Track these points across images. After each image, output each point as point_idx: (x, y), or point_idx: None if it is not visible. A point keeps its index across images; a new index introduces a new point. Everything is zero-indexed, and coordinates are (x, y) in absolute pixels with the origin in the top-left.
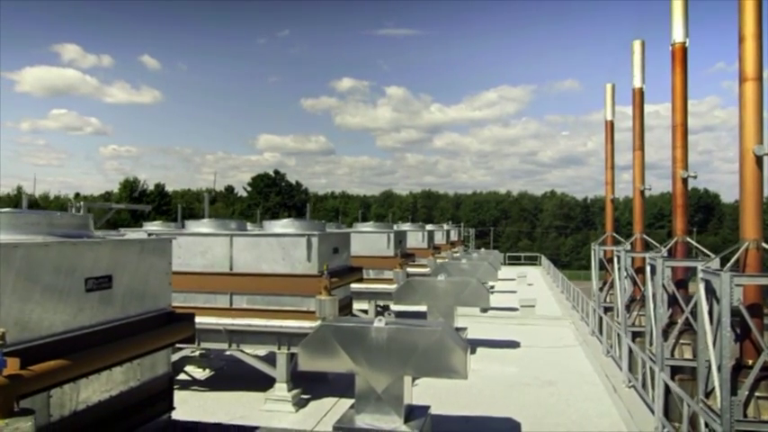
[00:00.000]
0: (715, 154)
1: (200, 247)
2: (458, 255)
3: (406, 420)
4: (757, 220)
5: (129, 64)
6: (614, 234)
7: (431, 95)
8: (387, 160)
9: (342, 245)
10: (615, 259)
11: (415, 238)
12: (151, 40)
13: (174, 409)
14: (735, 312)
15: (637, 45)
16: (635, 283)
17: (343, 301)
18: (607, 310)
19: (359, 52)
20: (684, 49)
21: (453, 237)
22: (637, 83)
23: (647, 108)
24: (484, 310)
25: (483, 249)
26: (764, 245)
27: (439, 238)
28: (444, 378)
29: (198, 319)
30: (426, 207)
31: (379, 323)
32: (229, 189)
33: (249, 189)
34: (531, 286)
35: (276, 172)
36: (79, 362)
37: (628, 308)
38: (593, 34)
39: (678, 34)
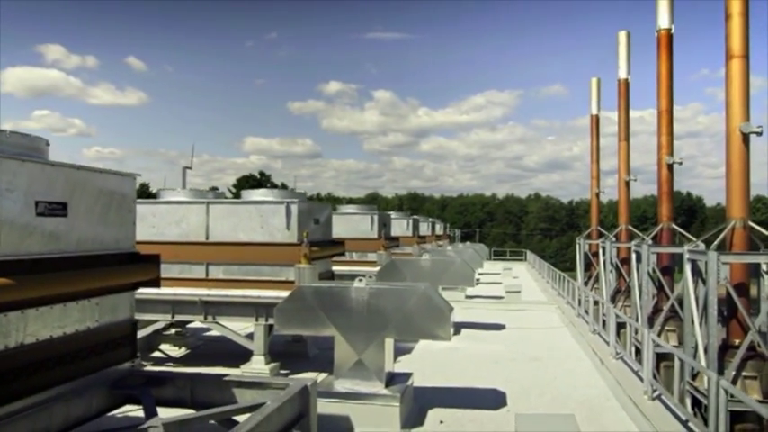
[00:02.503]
0: (698, 159)
1: (175, 215)
2: (443, 247)
3: (387, 385)
4: (743, 199)
5: (114, 65)
6: (599, 228)
7: (418, 99)
8: (373, 164)
9: (323, 217)
10: (600, 251)
11: (400, 226)
12: (137, 42)
13: (137, 357)
14: (720, 302)
15: (622, 36)
16: (620, 274)
17: (325, 275)
18: (594, 303)
19: (347, 56)
20: (670, 36)
21: (439, 231)
22: (622, 74)
23: (632, 114)
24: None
25: (468, 243)
26: (751, 224)
27: (424, 230)
28: (427, 339)
29: (172, 290)
30: (412, 209)
31: (360, 284)
32: (214, 190)
33: (234, 191)
34: (516, 279)
35: (261, 173)
36: (23, 284)
37: (613, 299)
38: (580, 40)
39: (663, 21)
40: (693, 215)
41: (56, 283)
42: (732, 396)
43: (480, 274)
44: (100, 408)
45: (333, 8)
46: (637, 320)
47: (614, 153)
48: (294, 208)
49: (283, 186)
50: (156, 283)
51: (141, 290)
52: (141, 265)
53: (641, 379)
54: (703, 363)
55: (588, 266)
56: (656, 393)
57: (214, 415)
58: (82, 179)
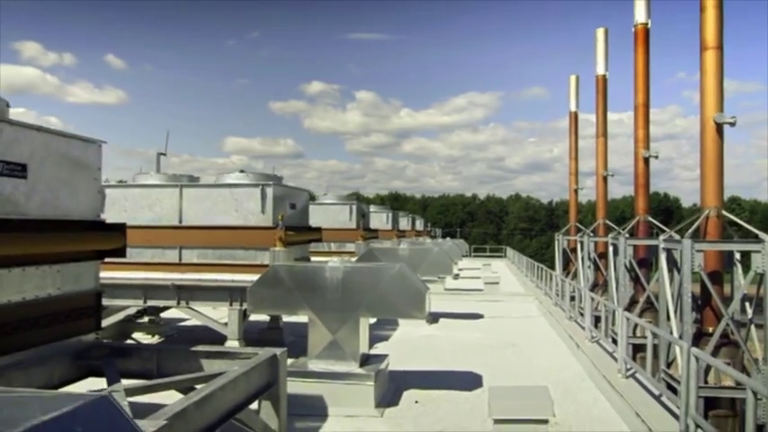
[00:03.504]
0: (676, 161)
1: (148, 199)
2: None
3: (362, 366)
4: (717, 188)
5: (93, 63)
6: (578, 225)
7: (400, 100)
8: (356, 164)
9: (300, 202)
10: (579, 245)
11: (380, 220)
12: (116, 39)
13: (101, 329)
14: (695, 298)
15: (600, 33)
16: (597, 268)
17: (301, 261)
18: (571, 299)
19: (329, 56)
20: (647, 31)
21: (419, 227)
22: (600, 70)
23: (611, 116)
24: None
25: (449, 238)
26: (725, 213)
27: (404, 224)
28: (403, 318)
29: (145, 275)
30: (393, 208)
31: (334, 263)
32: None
33: None
34: (495, 273)
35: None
36: None
37: (592, 289)
38: (562, 43)
39: (641, 15)
40: (670, 215)
41: (13, 244)
42: (700, 360)
43: (460, 269)
44: (62, 378)
45: (315, 8)
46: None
47: (593, 154)
48: (269, 191)
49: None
50: (121, 252)
51: (113, 274)
52: (106, 233)
53: (616, 360)
54: (684, 368)
55: (567, 263)
56: (631, 372)
57: (179, 382)
58: (44, 142)
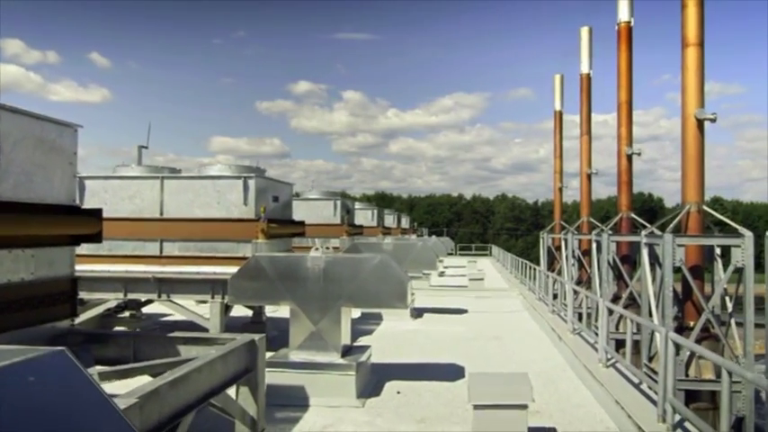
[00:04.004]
0: (660, 162)
1: (129, 191)
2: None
3: (344, 356)
4: (698, 184)
5: (77, 61)
6: (562, 223)
7: (388, 100)
8: (342, 164)
9: (283, 195)
10: (563, 243)
11: (365, 216)
12: (101, 38)
13: (76, 316)
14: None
15: (584, 32)
16: (581, 265)
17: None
18: (554, 297)
19: (316, 55)
20: (629, 29)
21: (405, 224)
22: (584, 69)
23: (596, 118)
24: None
25: (434, 236)
26: (705, 208)
27: (390, 222)
28: (384, 308)
29: (125, 267)
30: (380, 208)
31: (316, 253)
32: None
33: None
34: (480, 270)
35: None
36: None
37: (574, 291)
38: (549, 44)
39: (624, 14)
40: (654, 215)
41: None
42: (678, 345)
43: (446, 267)
44: None
45: (302, 8)
46: (596, 310)
47: (578, 155)
48: (252, 183)
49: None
50: (97, 238)
51: (92, 267)
52: (81, 218)
53: (597, 350)
54: (662, 352)
55: (552, 261)
56: (611, 361)
57: (154, 367)
58: (18, 124)
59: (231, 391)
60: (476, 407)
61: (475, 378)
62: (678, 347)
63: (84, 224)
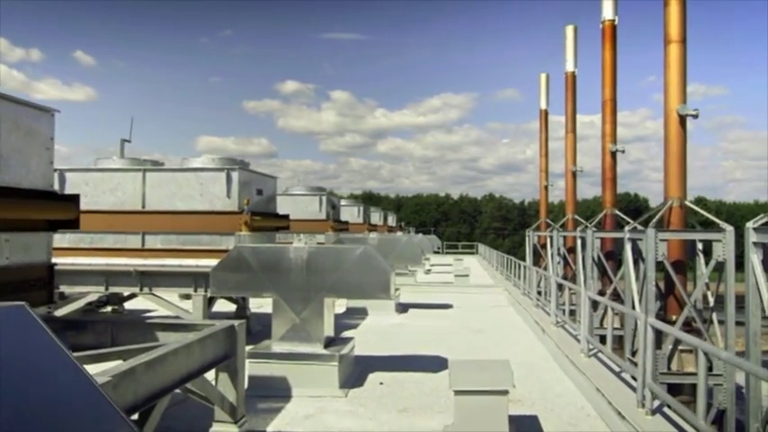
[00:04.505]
0: (645, 163)
1: (110, 183)
2: None
3: (327, 347)
4: (680, 179)
5: (61, 59)
6: (548, 221)
7: (376, 100)
8: (330, 164)
9: (267, 188)
10: (548, 240)
11: (351, 213)
12: (86, 36)
13: (54, 302)
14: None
15: (569, 30)
16: (566, 263)
17: None
18: (539, 294)
19: (304, 55)
20: (614, 27)
21: (392, 222)
22: (569, 67)
23: (584, 119)
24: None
25: (421, 234)
26: (687, 203)
27: (376, 219)
28: (368, 299)
29: (106, 260)
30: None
31: (299, 243)
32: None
33: None
34: (466, 268)
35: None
36: None
37: (559, 287)
38: (536, 45)
39: (608, 12)
40: (639, 214)
41: None
42: (657, 330)
43: (432, 265)
44: None
45: (290, 7)
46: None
47: (564, 155)
48: (235, 175)
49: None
50: (74, 224)
51: (73, 260)
52: (58, 203)
53: (580, 341)
54: (641, 337)
55: (537, 259)
56: (593, 351)
57: (131, 351)
58: None
59: (211, 378)
60: (456, 392)
61: (456, 365)
62: (659, 335)
63: (62, 209)
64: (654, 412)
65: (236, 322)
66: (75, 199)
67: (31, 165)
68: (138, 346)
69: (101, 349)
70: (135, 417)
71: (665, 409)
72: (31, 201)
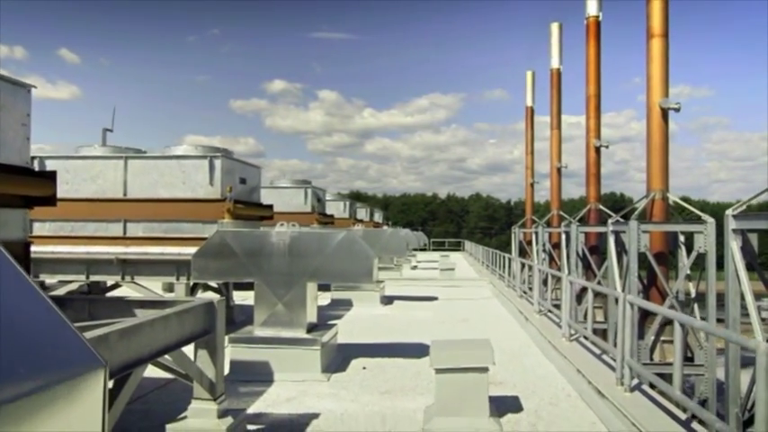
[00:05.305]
0: (631, 163)
1: (91, 171)
2: None
3: (309, 332)
4: (662, 172)
5: (45, 57)
6: (533, 218)
7: (363, 100)
8: (318, 164)
9: (251, 177)
10: (534, 236)
11: (337, 208)
12: (71, 34)
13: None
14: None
15: (555, 27)
16: (552, 258)
17: None
18: (525, 293)
19: (292, 54)
20: (598, 23)
21: (378, 219)
22: (555, 63)
23: (570, 119)
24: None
25: (408, 229)
26: (669, 195)
27: (362, 215)
28: (350, 283)
29: (87, 249)
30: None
31: (281, 228)
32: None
33: None
34: (452, 263)
35: None
36: None
37: (545, 283)
38: (524, 46)
39: (592, 8)
40: (625, 215)
41: None
42: (633, 305)
43: (419, 261)
44: None
45: (278, 6)
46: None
47: (548, 157)
48: (218, 163)
49: None
50: (51, 201)
51: (53, 248)
52: (34, 179)
53: (561, 327)
54: (620, 315)
55: (523, 256)
56: (575, 336)
57: (107, 325)
58: None
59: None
60: (437, 371)
61: (437, 345)
62: (642, 323)
63: (38, 186)
64: (633, 389)
65: (215, 298)
66: (51, 176)
67: (6, 140)
68: (113, 320)
69: (78, 323)
70: (110, 384)
71: (644, 386)
72: (6, 176)
